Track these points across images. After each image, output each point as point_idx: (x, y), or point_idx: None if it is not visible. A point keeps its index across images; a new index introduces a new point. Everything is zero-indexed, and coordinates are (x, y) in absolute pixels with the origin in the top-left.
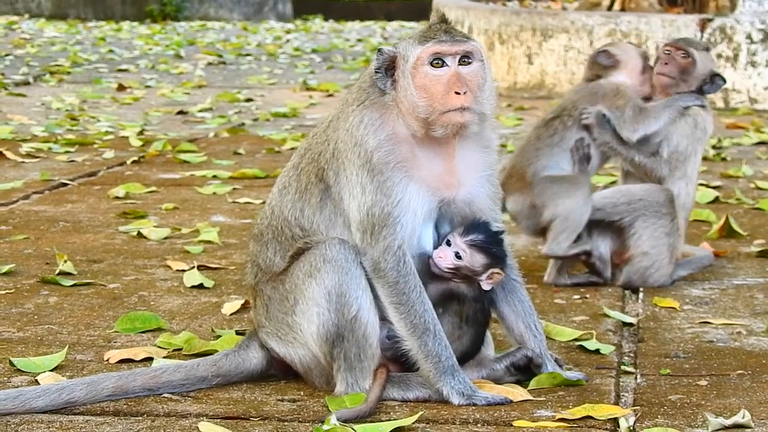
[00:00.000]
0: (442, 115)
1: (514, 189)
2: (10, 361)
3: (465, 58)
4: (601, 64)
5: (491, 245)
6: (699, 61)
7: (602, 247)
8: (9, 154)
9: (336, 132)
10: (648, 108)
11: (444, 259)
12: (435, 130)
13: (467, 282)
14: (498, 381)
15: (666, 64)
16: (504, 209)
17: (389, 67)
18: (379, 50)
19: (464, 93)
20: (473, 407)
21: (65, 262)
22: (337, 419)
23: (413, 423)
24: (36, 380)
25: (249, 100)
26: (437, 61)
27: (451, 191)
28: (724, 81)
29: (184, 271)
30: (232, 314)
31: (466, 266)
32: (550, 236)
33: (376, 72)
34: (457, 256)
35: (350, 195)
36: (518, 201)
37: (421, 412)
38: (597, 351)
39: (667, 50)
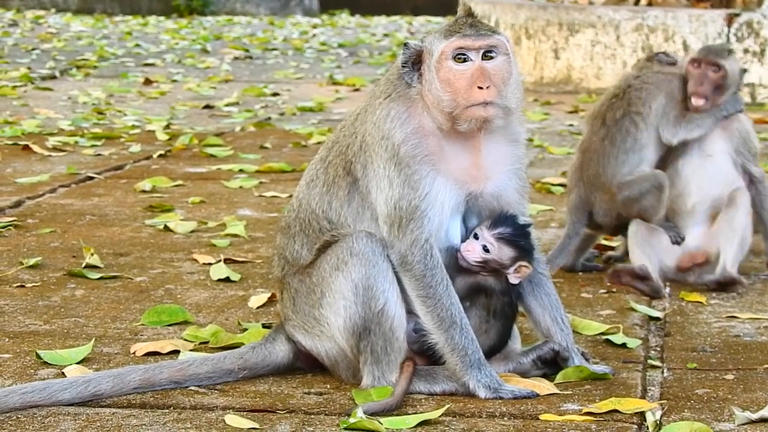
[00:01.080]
0: (466, 109)
1: (603, 202)
2: (36, 353)
3: (489, 53)
4: (661, 61)
5: (519, 238)
6: (730, 69)
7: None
8: (36, 148)
9: (363, 125)
10: (693, 115)
11: (472, 252)
12: (460, 125)
13: (495, 275)
14: (525, 374)
15: (701, 84)
16: (592, 218)
17: (416, 62)
18: (406, 44)
19: (487, 87)
20: (500, 401)
21: (92, 255)
22: (364, 412)
23: (440, 416)
24: (63, 373)
25: (275, 94)
26: (460, 55)
27: (478, 185)
28: (745, 71)
29: (210, 264)
30: (258, 307)
31: (494, 259)
32: None
33: (402, 66)
34: (485, 249)
35: (378, 188)
36: (606, 212)
37: (447, 406)
38: (624, 345)
39: (696, 65)
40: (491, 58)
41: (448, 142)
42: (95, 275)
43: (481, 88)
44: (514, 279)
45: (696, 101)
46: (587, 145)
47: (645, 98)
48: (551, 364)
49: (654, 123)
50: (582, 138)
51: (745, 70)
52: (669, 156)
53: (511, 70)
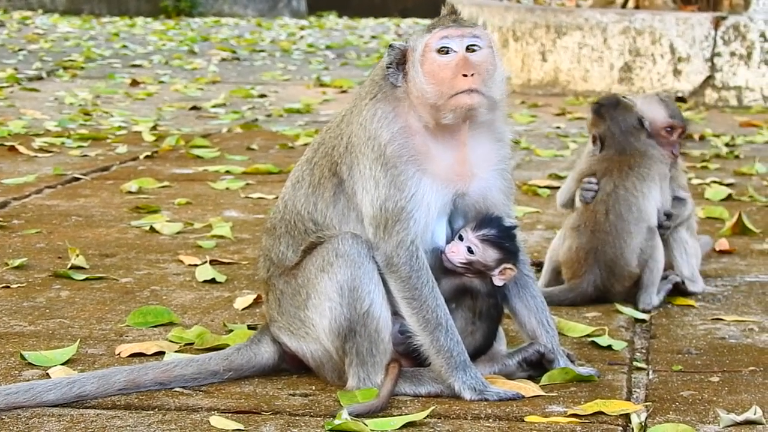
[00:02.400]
0: (451, 98)
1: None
2: (21, 354)
3: (472, 46)
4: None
5: (504, 240)
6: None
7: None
8: (22, 149)
9: (349, 126)
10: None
11: (456, 253)
12: (445, 116)
13: (480, 277)
14: (510, 376)
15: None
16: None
17: (401, 62)
18: (390, 46)
19: (471, 75)
20: (485, 402)
21: (77, 256)
22: (349, 414)
23: (425, 418)
24: (47, 374)
25: (262, 96)
26: (444, 47)
27: (464, 182)
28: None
29: (196, 265)
30: (244, 309)
31: (479, 261)
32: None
33: (387, 67)
34: (470, 250)
35: (363, 189)
36: (625, 291)
37: (432, 407)
38: (609, 347)
39: (669, 132)
40: (474, 51)
41: (434, 140)
42: (81, 276)
43: (465, 75)
44: (498, 281)
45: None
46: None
47: (646, 175)
48: (536, 366)
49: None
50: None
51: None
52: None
53: (495, 62)
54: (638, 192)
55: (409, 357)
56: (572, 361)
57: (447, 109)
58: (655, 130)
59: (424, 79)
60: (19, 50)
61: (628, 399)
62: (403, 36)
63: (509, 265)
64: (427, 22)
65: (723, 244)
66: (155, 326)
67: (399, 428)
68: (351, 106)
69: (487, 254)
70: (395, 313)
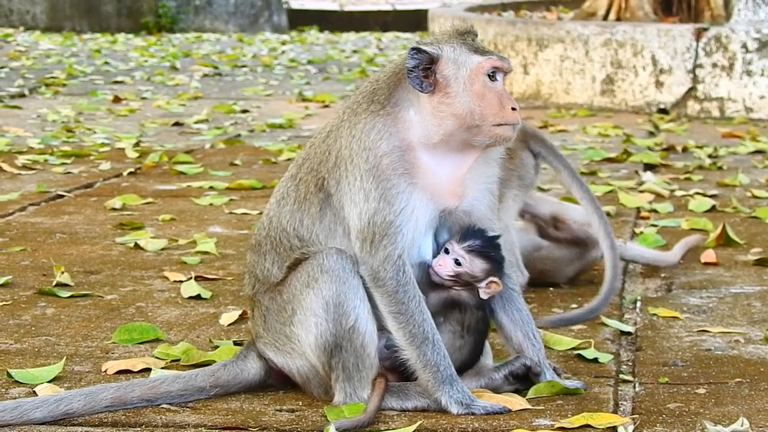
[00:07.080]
0: (496, 126)
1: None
2: (7, 372)
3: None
4: None
5: (489, 249)
6: None
7: None
8: (5, 166)
9: (338, 141)
10: None
11: (444, 266)
12: (479, 139)
13: (468, 289)
14: (496, 390)
15: None
16: None
17: (424, 68)
18: (417, 49)
19: (516, 109)
20: (472, 416)
21: (62, 273)
22: (336, 429)
23: None
24: (34, 392)
25: (245, 111)
26: (494, 74)
27: (454, 201)
28: None
29: (181, 282)
30: (229, 325)
31: (467, 272)
32: None
33: (410, 71)
34: (457, 262)
35: (352, 202)
36: None
37: (419, 422)
38: (595, 360)
39: None
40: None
41: (433, 157)
42: (66, 293)
43: (514, 109)
44: (484, 294)
45: None
46: None
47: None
48: (523, 380)
49: None
50: None
51: None
52: None
53: None
54: None
55: (395, 371)
56: (558, 374)
57: (486, 134)
58: None
59: (474, 98)
60: (1, 68)
61: (615, 412)
62: (385, 50)
63: (495, 279)
64: (408, 35)
65: (708, 255)
66: (141, 343)
67: None
68: (339, 120)
69: (475, 265)
70: (381, 328)
